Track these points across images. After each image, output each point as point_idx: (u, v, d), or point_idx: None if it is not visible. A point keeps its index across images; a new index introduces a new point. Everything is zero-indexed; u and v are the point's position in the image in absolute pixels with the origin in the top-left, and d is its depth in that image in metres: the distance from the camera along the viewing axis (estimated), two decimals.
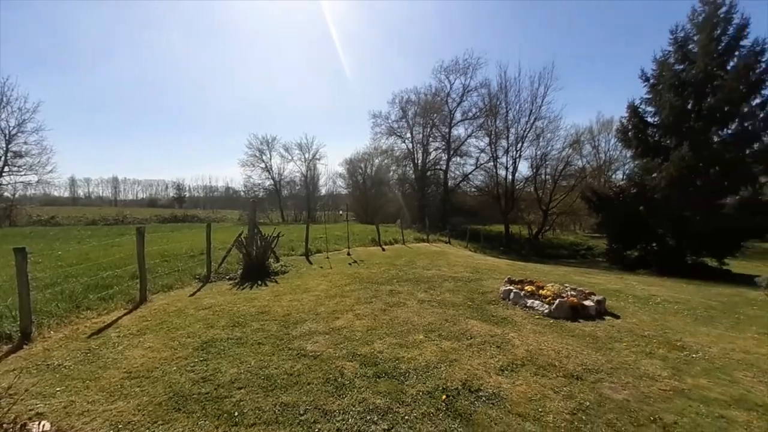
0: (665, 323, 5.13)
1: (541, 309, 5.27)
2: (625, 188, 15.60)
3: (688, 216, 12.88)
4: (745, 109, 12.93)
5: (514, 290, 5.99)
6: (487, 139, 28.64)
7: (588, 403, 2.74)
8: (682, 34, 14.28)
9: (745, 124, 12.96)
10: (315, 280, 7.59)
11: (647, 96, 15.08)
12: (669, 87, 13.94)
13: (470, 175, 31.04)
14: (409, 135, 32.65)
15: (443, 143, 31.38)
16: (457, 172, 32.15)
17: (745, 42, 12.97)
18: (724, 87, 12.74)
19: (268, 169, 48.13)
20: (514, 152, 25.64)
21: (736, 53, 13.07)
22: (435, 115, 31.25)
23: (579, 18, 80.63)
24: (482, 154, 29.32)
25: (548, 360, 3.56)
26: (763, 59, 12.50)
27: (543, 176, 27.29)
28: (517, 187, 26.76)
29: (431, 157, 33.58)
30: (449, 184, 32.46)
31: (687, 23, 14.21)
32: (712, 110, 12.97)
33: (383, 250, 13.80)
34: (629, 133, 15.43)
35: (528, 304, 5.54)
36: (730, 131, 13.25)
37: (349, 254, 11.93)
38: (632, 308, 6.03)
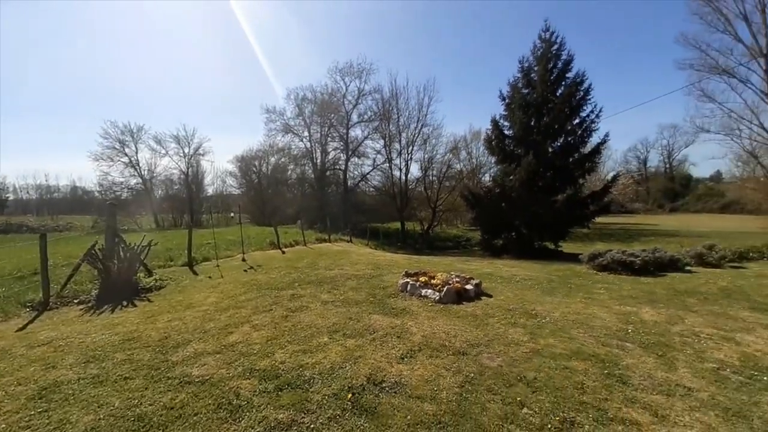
0: (523, 297, 6.33)
1: (433, 297, 5.86)
2: (491, 188, 18.68)
3: (534, 210, 16.22)
4: (569, 127, 17.00)
5: (411, 282, 6.48)
6: (382, 142, 30.31)
7: (472, 375, 3.18)
8: (527, 64, 17.86)
9: (569, 139, 17.05)
10: (201, 293, 6.70)
11: (504, 113, 18.39)
12: (519, 106, 17.28)
13: (368, 176, 32.27)
14: (306, 133, 31.87)
15: (341, 143, 31.77)
16: (356, 172, 33.03)
17: (570, 74, 17.06)
18: (554, 109, 16.48)
19: (133, 164, 39.87)
20: (406, 155, 27.99)
21: (563, 82, 17.07)
22: (333, 115, 31.31)
23: (455, 39, 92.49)
24: (378, 156, 30.89)
25: (440, 342, 3.98)
26: (581, 88, 16.66)
27: (431, 177, 30.40)
28: (410, 187, 29.14)
29: (330, 157, 33.55)
30: (349, 183, 33.00)
31: (530, 56, 17.87)
32: (547, 127, 16.65)
33: (283, 252, 13.13)
34: (492, 143, 18.54)
35: (422, 294, 6.08)
36: (558, 144, 17.21)
37: (244, 260, 10.92)
38: (500, 287, 7.24)
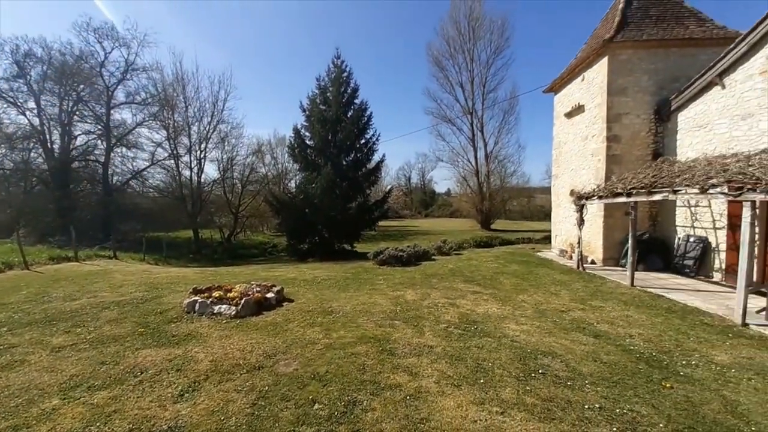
0: (322, 296, 6.79)
1: (228, 312, 5.29)
2: (296, 194, 19.13)
3: (333, 216, 17.88)
4: (357, 145, 19.87)
5: (200, 300, 5.61)
6: (164, 133, 24.71)
7: (267, 388, 3.08)
8: (323, 83, 19.64)
9: (358, 155, 19.94)
10: None
11: (305, 123, 19.40)
12: (317, 120, 18.69)
13: (145, 173, 25.45)
14: (33, 104, 21.50)
15: (100, 127, 23.46)
16: (125, 168, 25.31)
17: (357, 101, 19.92)
18: (346, 128, 18.84)
19: None
20: (198, 152, 23.98)
21: (352, 106, 19.77)
22: (82, 86, 22.70)
23: (255, 43, 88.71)
24: (159, 150, 24.97)
25: (234, 362, 3.64)
26: (365, 114, 19.77)
27: (233, 180, 27.56)
28: (204, 189, 25.18)
29: (80, 143, 24.11)
30: (114, 181, 24.93)
31: (326, 76, 19.72)
32: (341, 143, 18.88)
33: None
34: (295, 150, 19.15)
35: (216, 311, 5.38)
36: (350, 158, 19.78)
37: None
38: (303, 290, 7.47)
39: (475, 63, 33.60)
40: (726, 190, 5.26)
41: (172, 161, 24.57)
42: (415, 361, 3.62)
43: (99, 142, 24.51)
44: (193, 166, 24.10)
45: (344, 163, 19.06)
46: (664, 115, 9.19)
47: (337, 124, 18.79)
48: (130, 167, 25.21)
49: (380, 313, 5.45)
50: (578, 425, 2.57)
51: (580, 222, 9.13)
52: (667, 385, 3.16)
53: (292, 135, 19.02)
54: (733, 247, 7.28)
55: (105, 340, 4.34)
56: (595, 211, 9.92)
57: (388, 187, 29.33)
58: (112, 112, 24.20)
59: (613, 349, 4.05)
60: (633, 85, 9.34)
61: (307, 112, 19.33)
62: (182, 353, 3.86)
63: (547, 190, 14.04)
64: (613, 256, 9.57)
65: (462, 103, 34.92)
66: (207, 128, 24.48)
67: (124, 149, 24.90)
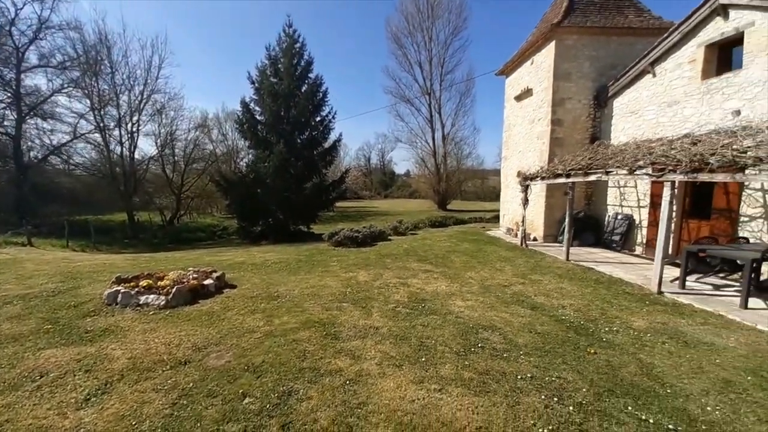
0: (270, 281, 6.45)
1: (157, 302, 4.79)
2: (246, 174, 17.90)
3: (288, 196, 17.12)
4: (313, 123, 18.93)
5: (123, 290, 5.02)
6: (88, 102, 21.51)
7: (192, 384, 2.80)
8: (274, 53, 18.13)
9: (313, 133, 19.04)
10: None
11: (255, 97, 17.96)
12: (268, 94, 17.37)
13: (68, 148, 22.13)
14: None
15: (9, 94, 19.74)
16: (41, 142, 21.74)
17: (312, 75, 18.81)
18: (299, 104, 17.80)
19: None
20: (130, 125, 21.21)
21: (307, 81, 18.65)
22: None
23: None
24: (83, 122, 21.74)
25: (156, 358, 3.28)
26: (321, 90, 18.78)
27: (173, 157, 25.08)
28: (140, 167, 22.59)
29: None
30: (30, 157, 21.46)
31: (276, 46, 18.22)
32: (295, 119, 17.83)
33: None
34: (244, 126, 17.74)
35: (142, 302, 4.85)
36: (305, 136, 18.85)
37: None
38: (249, 275, 7.06)
39: (434, 42, 33.34)
40: (650, 172, 5.72)
41: (99, 135, 21.65)
42: (359, 344, 3.53)
43: (8, 111, 20.75)
44: (124, 140, 21.40)
45: (298, 141, 18.13)
46: (602, 101, 9.78)
47: (290, 99, 17.68)
48: (49, 141, 21.81)
49: (329, 296, 5.29)
50: (510, 396, 2.66)
51: (525, 201, 9.59)
52: (591, 351, 3.41)
53: (240, 109, 17.56)
54: (654, 223, 8.10)
55: (2, 341, 3.70)
56: (538, 191, 10.47)
57: (346, 167, 28.62)
58: (23, 77, 20.49)
59: (547, 320, 4.29)
60: (576, 70, 9.76)
61: (256, 85, 17.89)
62: (95, 352, 3.40)
63: (499, 173, 14.62)
64: (553, 233, 10.27)
65: (420, 83, 34.74)
66: (139, 98, 21.70)
67: (39, 120, 21.39)
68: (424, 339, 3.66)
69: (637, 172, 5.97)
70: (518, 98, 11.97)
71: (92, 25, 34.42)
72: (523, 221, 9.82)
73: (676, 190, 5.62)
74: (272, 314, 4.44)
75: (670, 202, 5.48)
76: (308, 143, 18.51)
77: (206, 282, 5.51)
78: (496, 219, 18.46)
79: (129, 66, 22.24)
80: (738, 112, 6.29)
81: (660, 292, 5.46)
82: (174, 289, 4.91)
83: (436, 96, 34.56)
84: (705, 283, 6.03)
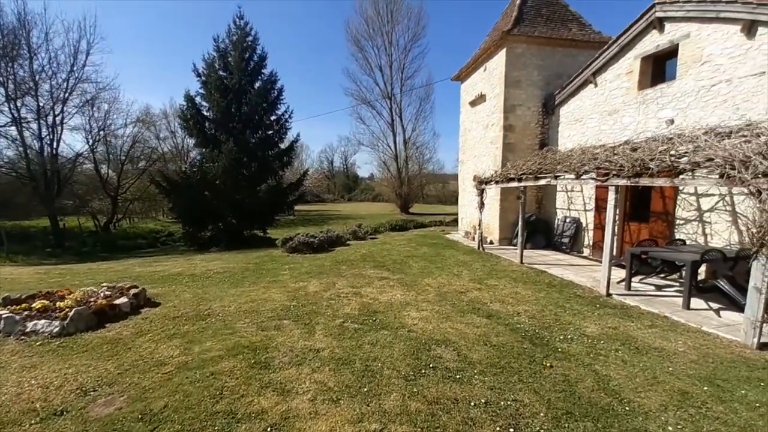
0: (204, 295, 5.68)
1: (49, 329, 3.90)
2: (190, 175, 16.35)
3: (241, 199, 15.95)
4: (267, 122, 17.89)
5: (7, 315, 4.05)
6: (2, 91, 18.54)
7: None
8: (223, 45, 16.85)
9: (268, 132, 17.99)
10: None
11: (202, 91, 16.55)
12: (216, 89, 16.10)
13: None
14: None
15: None
16: None
17: (265, 71, 17.77)
18: (252, 100, 16.72)
19: None
20: (52, 117, 18.50)
21: (260, 76, 17.61)
22: None
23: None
24: None
25: (26, 406, 2.53)
26: (276, 87, 17.81)
27: (109, 155, 22.41)
28: (64, 165, 19.75)
29: None
30: None
31: (226, 38, 16.96)
32: (247, 117, 16.70)
33: None
34: (190, 123, 16.25)
35: (30, 329, 3.93)
36: (259, 136, 17.71)
37: None
38: (181, 289, 6.20)
39: (394, 47, 33.55)
40: (595, 176, 5.82)
41: (15, 128, 18.70)
42: (293, 373, 3.02)
43: None
44: (44, 135, 18.60)
45: (252, 140, 16.99)
46: (549, 109, 10.12)
47: (242, 95, 16.54)
48: None
49: (270, 312, 4.70)
50: (462, 429, 2.32)
51: (481, 205, 9.61)
52: (548, 365, 3.20)
53: (184, 103, 16.06)
54: (599, 226, 8.43)
55: None
56: (493, 195, 10.59)
57: (306, 169, 27.59)
58: None
59: (503, 330, 4.08)
60: (526, 78, 10.02)
61: (203, 78, 16.50)
62: None
63: (458, 177, 14.70)
64: (508, 236, 10.42)
65: (381, 86, 34.76)
66: (64, 87, 19.02)
67: None
68: (371, 362, 3.24)
69: (584, 176, 6.07)
70: (472, 103, 12.12)
71: (11, 5, 30.01)
72: (479, 225, 9.83)
73: (618, 195, 5.76)
74: (194, 339, 3.76)
75: (615, 206, 5.60)
76: (262, 143, 17.45)
77: (119, 301, 4.64)
78: (455, 222, 18.67)
79: (51, 50, 19.49)
80: (671, 121, 6.67)
81: (608, 294, 5.54)
82: (73, 312, 4.04)
83: (397, 100, 34.79)
84: (647, 283, 6.26)
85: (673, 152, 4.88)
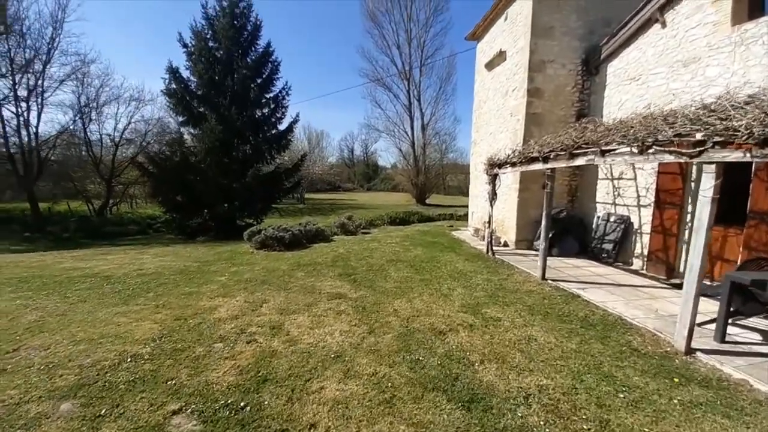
0: (41, 323, 3.89)
1: None
2: (169, 156, 14.79)
3: (226, 184, 14.31)
4: (263, 100, 16.06)
5: None
6: None
7: None
8: (213, 13, 14.99)
9: (265, 111, 16.15)
10: None
11: (188, 64, 14.83)
12: (207, 62, 14.35)
13: None
14: None
15: None
16: None
17: (260, 42, 15.84)
18: (248, 77, 14.90)
19: None
20: (30, 91, 17.25)
21: (254, 48, 15.71)
22: None
23: None
24: None
25: None
26: (271, 60, 15.86)
27: (100, 135, 21.26)
28: (46, 145, 18.57)
29: None
30: None
31: (216, 4, 15.07)
32: (242, 95, 14.84)
33: None
34: (174, 99, 14.62)
35: None
36: (256, 116, 15.89)
37: None
38: (39, 303, 4.47)
39: (413, 22, 30.54)
40: (676, 149, 3.41)
41: None
42: None
43: None
44: (22, 111, 17.23)
45: (242, 119, 15.14)
46: (592, 67, 7.50)
47: (235, 72, 14.71)
48: None
49: (73, 373, 2.78)
50: None
51: (493, 196, 7.26)
52: None
53: (168, 76, 14.41)
54: (659, 229, 5.91)
55: None
56: (510, 183, 8.17)
57: (302, 153, 25.55)
58: None
59: None
60: (560, 24, 7.42)
61: (190, 48, 14.73)
62: None
63: None
64: (527, 237, 8.00)
65: (399, 66, 31.95)
66: (44, 58, 17.44)
67: None
68: None
69: (653, 149, 3.67)
70: (489, 65, 9.55)
71: None
72: (489, 221, 7.50)
73: (718, 182, 3.31)
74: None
75: (711, 201, 3.21)
76: (259, 123, 15.62)
77: None
78: (468, 216, 16.24)
79: (25, 19, 17.56)
80: None
81: (690, 351, 3.23)
82: None
83: (416, 81, 31.92)
84: (744, 326, 3.85)
85: None
